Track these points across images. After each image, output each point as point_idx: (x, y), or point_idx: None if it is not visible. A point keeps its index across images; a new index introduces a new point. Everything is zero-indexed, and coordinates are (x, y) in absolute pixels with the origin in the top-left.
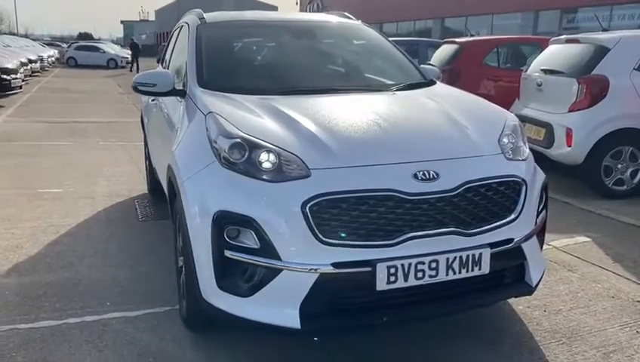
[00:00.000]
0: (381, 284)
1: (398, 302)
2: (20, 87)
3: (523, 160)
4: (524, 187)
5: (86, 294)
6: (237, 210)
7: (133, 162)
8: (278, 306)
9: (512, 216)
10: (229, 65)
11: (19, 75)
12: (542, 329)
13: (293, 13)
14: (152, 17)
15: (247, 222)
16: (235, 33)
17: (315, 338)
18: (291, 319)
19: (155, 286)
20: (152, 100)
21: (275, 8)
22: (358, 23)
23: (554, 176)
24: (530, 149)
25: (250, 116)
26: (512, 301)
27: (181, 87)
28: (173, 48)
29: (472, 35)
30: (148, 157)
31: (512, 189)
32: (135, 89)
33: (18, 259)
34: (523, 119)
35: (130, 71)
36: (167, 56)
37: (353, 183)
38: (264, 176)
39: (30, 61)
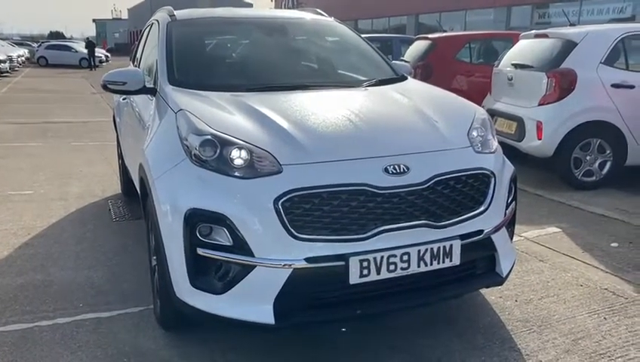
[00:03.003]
0: (354, 278)
1: (372, 294)
2: None
3: (492, 153)
4: (492, 179)
5: (58, 296)
6: (209, 207)
7: (107, 162)
8: (252, 302)
9: (482, 208)
10: (200, 63)
11: None
12: (513, 319)
13: (264, 10)
14: (125, 15)
15: (219, 220)
16: (206, 30)
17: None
18: (265, 315)
19: (129, 286)
20: (124, 99)
21: (250, 5)
22: (331, 19)
23: (525, 168)
24: (503, 143)
25: (222, 113)
26: (484, 292)
27: (152, 85)
28: (144, 46)
29: (444, 31)
30: (121, 157)
31: (481, 182)
32: (105, 87)
33: None
34: (495, 113)
35: (91, 70)
36: (139, 55)
37: (325, 178)
38: (236, 173)
39: None
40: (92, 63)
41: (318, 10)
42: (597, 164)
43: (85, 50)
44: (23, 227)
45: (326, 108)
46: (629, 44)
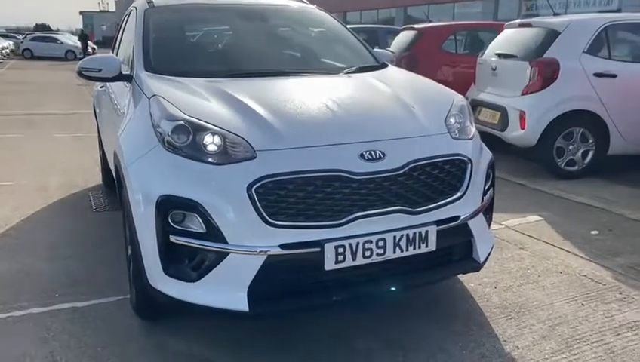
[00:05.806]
0: (329, 264)
1: (347, 281)
2: None
3: (469, 139)
4: (469, 165)
5: (34, 286)
6: (181, 193)
7: (89, 153)
8: (226, 290)
9: (458, 194)
10: (177, 49)
11: None
12: (492, 305)
13: None
14: (112, 8)
15: (192, 206)
16: (185, 17)
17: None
18: (240, 302)
19: (106, 276)
20: (102, 87)
21: None
22: (312, 7)
23: (509, 158)
24: (487, 133)
25: (196, 99)
26: (463, 279)
27: (128, 72)
28: (122, 34)
29: (430, 22)
30: (101, 147)
31: (458, 168)
32: (80, 74)
33: None
34: (479, 103)
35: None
36: (117, 43)
37: (299, 164)
38: (209, 159)
39: None
40: (83, 55)
41: None
42: (579, 154)
43: (72, 43)
44: (0, 218)
45: (303, 95)
46: (611, 33)
